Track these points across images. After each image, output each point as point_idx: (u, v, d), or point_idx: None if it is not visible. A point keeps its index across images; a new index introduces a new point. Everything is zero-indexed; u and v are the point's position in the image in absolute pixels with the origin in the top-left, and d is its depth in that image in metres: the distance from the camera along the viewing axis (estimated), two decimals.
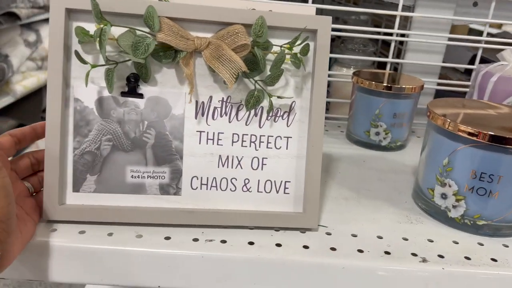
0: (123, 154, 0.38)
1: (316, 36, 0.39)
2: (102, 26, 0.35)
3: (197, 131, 0.39)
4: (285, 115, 0.40)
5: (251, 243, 0.37)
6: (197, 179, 0.40)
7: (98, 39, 0.35)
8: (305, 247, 0.38)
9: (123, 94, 0.38)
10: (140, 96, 0.38)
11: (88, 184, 0.38)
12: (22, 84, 1.40)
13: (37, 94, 1.51)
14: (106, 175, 0.38)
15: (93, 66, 0.36)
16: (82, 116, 0.38)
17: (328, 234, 0.40)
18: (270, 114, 0.40)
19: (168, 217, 0.38)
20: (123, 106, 0.38)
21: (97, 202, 0.38)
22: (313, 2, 0.62)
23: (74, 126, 0.38)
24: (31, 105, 1.49)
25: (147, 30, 0.36)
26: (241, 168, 0.40)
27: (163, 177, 0.39)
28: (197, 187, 0.40)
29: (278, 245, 0.37)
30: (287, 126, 0.40)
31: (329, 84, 0.78)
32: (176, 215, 0.38)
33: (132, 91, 0.38)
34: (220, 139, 0.40)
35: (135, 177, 0.39)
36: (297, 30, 0.38)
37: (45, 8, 1.45)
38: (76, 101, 0.38)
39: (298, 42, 0.38)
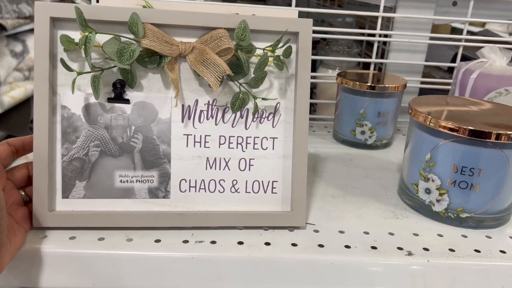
0: (111, 159, 0.39)
1: (298, 38, 0.40)
2: (87, 34, 0.35)
3: (184, 135, 0.40)
4: (270, 116, 0.41)
5: (240, 242, 0.38)
6: (186, 181, 0.40)
7: (83, 46, 0.35)
8: (294, 244, 0.38)
9: (110, 100, 0.38)
10: (127, 101, 0.39)
11: (77, 190, 0.39)
12: (10, 95, 1.39)
13: (25, 105, 1.50)
14: (95, 180, 0.39)
15: (79, 74, 0.37)
16: (70, 123, 0.38)
17: (316, 231, 0.40)
18: (256, 116, 0.41)
19: (157, 220, 0.39)
20: (110, 112, 0.39)
21: (86, 208, 0.39)
22: (298, 6, 0.63)
23: (62, 133, 0.38)
24: (19, 116, 1.48)
25: (131, 36, 0.37)
26: (229, 169, 0.41)
27: (151, 181, 0.40)
28: (185, 190, 0.40)
29: (267, 243, 0.38)
30: (273, 127, 0.41)
31: (315, 85, 0.79)
32: (165, 218, 0.39)
33: (118, 97, 0.38)
34: (207, 142, 0.40)
35: (124, 181, 0.39)
36: (279, 33, 0.39)
37: (31, 19, 1.45)
38: (63, 108, 0.38)
39: (280, 44, 0.39)
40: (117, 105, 0.38)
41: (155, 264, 0.36)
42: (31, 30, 1.47)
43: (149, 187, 0.40)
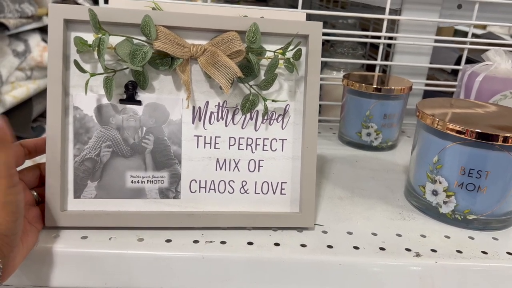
0: (122, 160, 0.39)
1: (307, 41, 0.40)
2: (100, 35, 0.36)
3: (194, 136, 0.40)
4: (280, 118, 0.41)
5: (250, 243, 0.38)
6: (196, 182, 0.40)
7: (97, 48, 0.36)
8: (303, 245, 0.39)
9: (122, 101, 0.39)
10: (138, 103, 0.39)
11: (89, 190, 0.39)
12: (12, 95, 1.40)
13: (27, 104, 1.50)
14: (106, 181, 0.39)
15: (92, 75, 0.37)
16: (82, 124, 0.38)
17: (325, 232, 0.41)
18: (265, 118, 0.41)
19: (168, 220, 0.39)
20: (121, 113, 0.39)
21: (98, 208, 0.39)
22: (301, 7, 0.63)
23: (74, 134, 0.38)
24: (20, 115, 1.48)
25: (144, 38, 0.37)
26: (238, 170, 0.41)
27: (162, 182, 0.40)
28: (195, 191, 0.41)
29: (277, 244, 0.38)
30: (282, 129, 0.41)
31: (320, 87, 0.79)
32: (176, 218, 0.39)
33: (130, 98, 0.39)
34: (217, 143, 0.41)
35: (135, 182, 0.40)
36: (289, 36, 0.40)
37: (33, 18, 1.45)
38: (75, 109, 0.38)
39: (291, 47, 0.39)
40: (128, 106, 0.39)
41: (166, 264, 0.37)
42: (34, 30, 1.48)
43: (159, 188, 0.40)
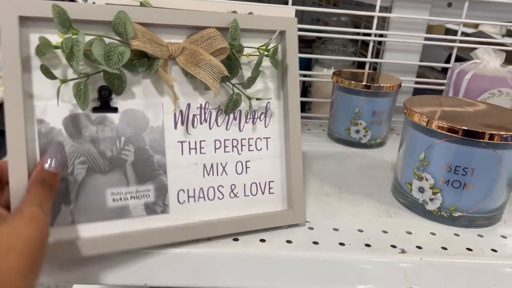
0: (101, 176, 0.35)
1: (284, 37, 0.39)
2: (72, 35, 0.32)
3: (178, 142, 0.38)
4: (262, 117, 0.40)
5: (236, 239, 0.38)
6: (184, 192, 0.38)
7: (69, 50, 0.31)
8: (289, 242, 0.38)
9: (95, 109, 0.34)
10: (114, 110, 0.35)
11: (63, 216, 0.34)
12: None
13: (1, 108, 1.48)
14: (83, 202, 0.34)
15: (64, 81, 0.33)
16: (49, 139, 0.33)
17: (311, 228, 0.41)
18: (249, 117, 0.40)
19: (157, 238, 0.36)
20: (95, 123, 0.35)
21: (76, 235, 0.34)
22: (293, 4, 0.63)
23: (40, 152, 0.33)
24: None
25: (117, 38, 0.34)
26: (226, 174, 0.39)
27: (147, 196, 0.37)
28: (184, 201, 0.38)
29: (262, 240, 0.38)
30: (265, 127, 0.41)
31: (310, 84, 0.79)
32: (165, 235, 0.36)
33: (104, 105, 0.35)
34: (203, 147, 0.39)
35: (117, 200, 0.36)
36: (264, 32, 0.38)
37: None
38: (39, 123, 0.33)
39: (274, 44, 0.38)
40: (103, 115, 0.35)
41: (150, 260, 0.36)
42: None
43: (145, 203, 0.36)
